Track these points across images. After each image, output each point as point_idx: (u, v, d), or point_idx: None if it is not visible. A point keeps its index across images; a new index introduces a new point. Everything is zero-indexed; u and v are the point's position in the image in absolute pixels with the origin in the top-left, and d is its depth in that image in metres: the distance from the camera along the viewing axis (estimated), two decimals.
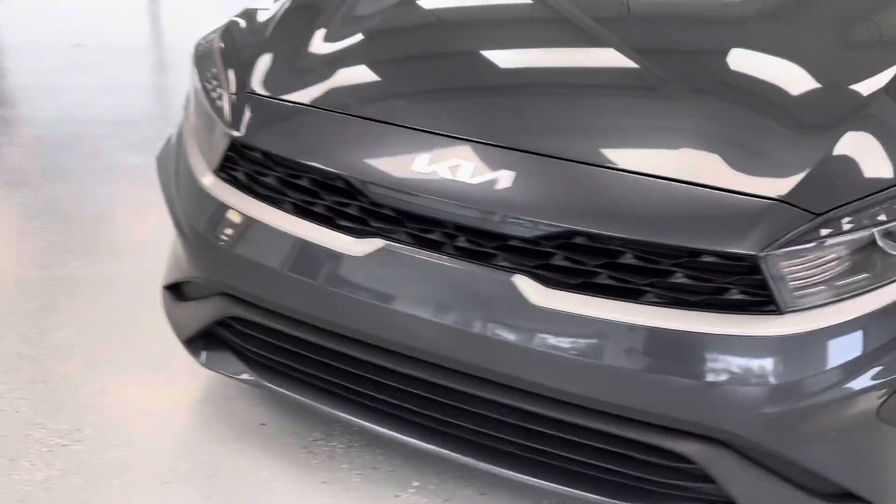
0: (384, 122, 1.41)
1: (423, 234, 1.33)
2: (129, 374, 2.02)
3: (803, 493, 1.27)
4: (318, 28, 1.74)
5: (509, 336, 1.28)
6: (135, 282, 2.45)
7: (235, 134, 1.50)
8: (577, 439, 1.34)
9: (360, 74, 1.57)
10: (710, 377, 1.20)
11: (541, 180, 1.29)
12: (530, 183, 1.28)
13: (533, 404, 1.33)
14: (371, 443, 1.84)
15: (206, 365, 1.71)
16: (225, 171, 1.54)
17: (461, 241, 1.31)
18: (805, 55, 1.55)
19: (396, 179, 1.34)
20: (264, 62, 1.64)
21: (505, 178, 1.28)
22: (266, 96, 1.54)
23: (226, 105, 1.58)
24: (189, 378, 2.01)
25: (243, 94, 1.56)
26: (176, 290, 1.84)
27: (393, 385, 1.45)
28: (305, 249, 1.41)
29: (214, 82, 1.67)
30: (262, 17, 1.89)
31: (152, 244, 2.65)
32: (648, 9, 1.82)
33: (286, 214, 1.44)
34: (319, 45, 1.68)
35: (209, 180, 1.55)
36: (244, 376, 1.65)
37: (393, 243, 1.35)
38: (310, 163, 1.41)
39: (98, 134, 3.81)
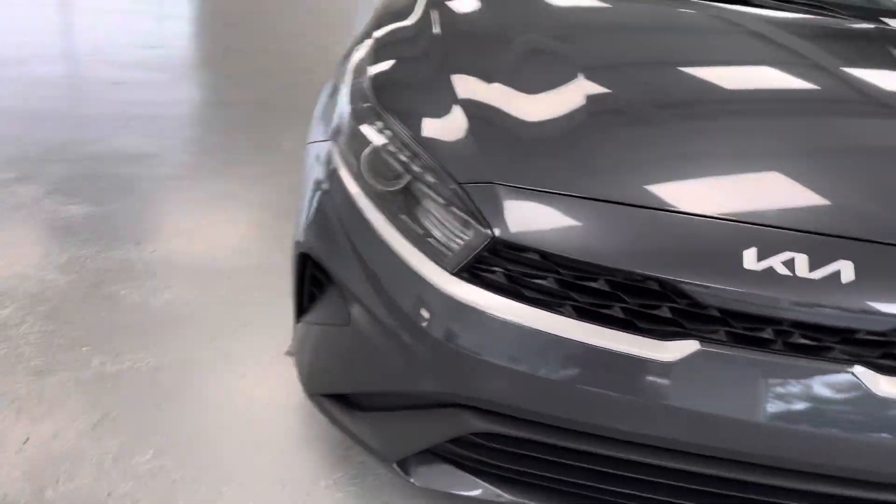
0: (693, 215, 1.31)
1: (750, 333, 1.26)
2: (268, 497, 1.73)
3: None
4: (532, 77, 1.64)
5: (850, 427, 1.25)
6: (179, 373, 2.10)
7: (495, 233, 1.31)
8: None
9: (631, 152, 1.44)
10: None
11: (889, 269, 1.27)
12: (878, 273, 1.26)
13: (860, 490, 1.32)
14: None
15: (422, 483, 1.50)
16: (472, 272, 1.35)
17: (795, 338, 1.25)
18: None
19: (727, 279, 1.24)
20: (488, 139, 1.46)
21: (847, 270, 1.25)
22: (525, 188, 1.36)
23: (460, 197, 1.38)
24: (335, 488, 1.77)
25: (484, 185, 1.37)
26: (342, 399, 1.61)
27: (687, 487, 1.38)
28: (598, 356, 1.28)
29: (403, 158, 1.46)
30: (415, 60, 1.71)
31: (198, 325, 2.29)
32: None
33: (570, 320, 1.29)
34: (552, 103, 1.55)
35: (453, 284, 1.35)
36: (476, 492, 1.47)
37: (711, 344, 1.26)
38: (611, 265, 1.27)
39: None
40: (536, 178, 1.37)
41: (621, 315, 1.28)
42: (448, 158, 1.43)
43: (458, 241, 1.37)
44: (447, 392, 1.39)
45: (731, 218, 1.30)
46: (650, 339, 1.27)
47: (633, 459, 1.35)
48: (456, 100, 1.55)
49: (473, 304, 1.33)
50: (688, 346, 1.26)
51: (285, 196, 3.26)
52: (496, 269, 1.33)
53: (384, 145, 1.51)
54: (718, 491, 1.36)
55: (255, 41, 6.30)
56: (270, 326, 2.32)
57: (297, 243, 1.65)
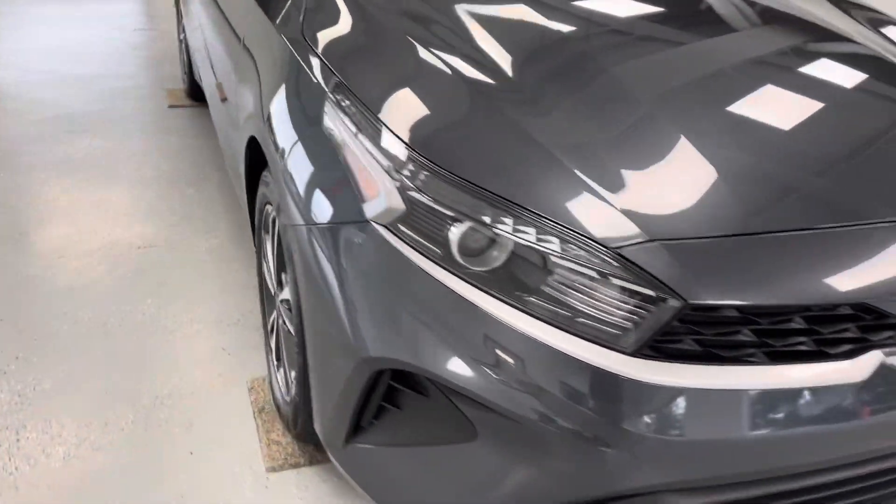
0: (860, 226, 1.25)
1: None
2: None
3: None
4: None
5: None
6: None
7: (686, 299, 1.15)
8: None
9: (768, 165, 1.33)
10: None
11: None
12: None
13: None
14: None
15: None
16: (655, 346, 1.18)
17: None
18: None
19: None
20: (610, 186, 1.25)
21: None
22: (691, 239, 1.19)
23: (618, 265, 1.17)
24: None
25: (644, 245, 1.18)
26: None
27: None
28: (803, 395, 1.21)
29: (521, 236, 1.21)
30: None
31: None
32: None
33: (769, 367, 1.19)
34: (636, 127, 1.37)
35: (637, 366, 1.16)
36: None
37: (888, 349, 1.25)
38: (809, 301, 1.18)
39: None
40: (696, 225, 1.21)
41: (813, 347, 1.21)
42: (577, 221, 1.20)
43: (627, 315, 1.17)
44: (645, 485, 1.22)
45: (891, 219, 1.28)
46: (844, 362, 1.22)
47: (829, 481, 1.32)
48: (532, 140, 1.32)
49: (666, 382, 1.17)
50: (871, 359, 1.23)
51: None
52: (683, 336, 1.17)
53: (482, 220, 1.23)
54: None
55: None
56: (196, 470, 1.87)
57: (368, 360, 1.30)
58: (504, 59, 1.55)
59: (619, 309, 1.18)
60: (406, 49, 1.57)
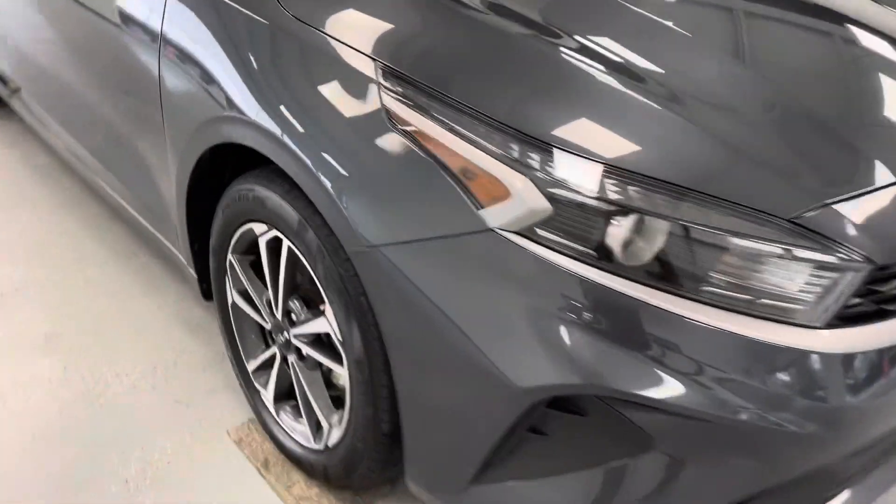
0: None
1: None
2: None
3: None
4: None
5: None
6: None
7: (876, 261, 1.09)
8: None
9: None
10: None
11: None
12: None
13: None
14: None
15: None
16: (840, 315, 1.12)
17: None
18: None
19: None
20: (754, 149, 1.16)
21: None
22: (860, 194, 1.13)
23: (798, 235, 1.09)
24: None
25: (820, 209, 1.10)
26: None
27: None
28: None
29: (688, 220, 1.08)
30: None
31: None
32: None
33: None
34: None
35: (828, 339, 1.10)
36: None
37: None
38: None
39: None
40: (853, 181, 1.16)
41: None
42: (744, 195, 1.10)
43: (810, 287, 1.10)
44: (834, 459, 1.19)
45: None
46: None
47: None
48: (680, 120, 1.18)
49: (854, 349, 1.13)
50: None
51: None
52: (861, 298, 1.13)
53: (647, 210, 1.08)
54: None
55: None
56: None
57: (526, 391, 1.11)
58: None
59: (801, 282, 1.10)
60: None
